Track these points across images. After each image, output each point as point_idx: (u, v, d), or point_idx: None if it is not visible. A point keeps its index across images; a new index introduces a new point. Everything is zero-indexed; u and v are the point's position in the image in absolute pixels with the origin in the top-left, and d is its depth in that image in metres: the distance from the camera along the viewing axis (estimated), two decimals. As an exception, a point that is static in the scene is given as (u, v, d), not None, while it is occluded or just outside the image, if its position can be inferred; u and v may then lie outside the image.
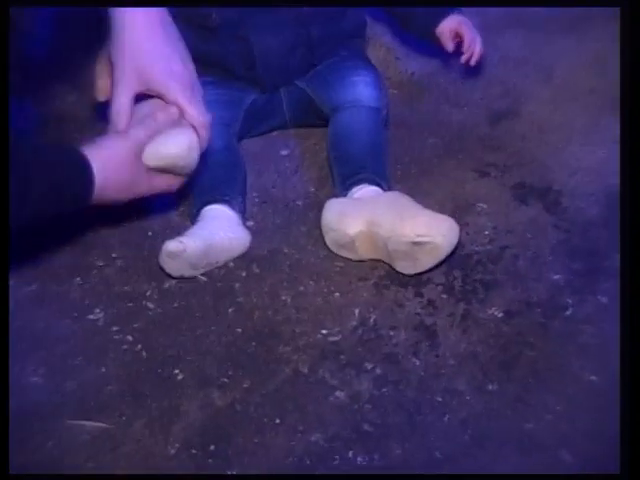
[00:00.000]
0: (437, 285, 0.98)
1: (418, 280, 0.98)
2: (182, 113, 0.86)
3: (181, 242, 0.95)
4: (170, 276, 0.99)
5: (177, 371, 0.89)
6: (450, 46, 1.21)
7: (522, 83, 1.34)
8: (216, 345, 0.92)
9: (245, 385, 0.87)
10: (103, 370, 0.89)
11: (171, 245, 0.95)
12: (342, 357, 0.90)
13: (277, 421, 0.82)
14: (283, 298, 0.98)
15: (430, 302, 0.96)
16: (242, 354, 0.91)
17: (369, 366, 0.88)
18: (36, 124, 1.13)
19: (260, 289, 0.99)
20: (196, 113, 0.86)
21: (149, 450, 0.80)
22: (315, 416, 0.83)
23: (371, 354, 0.90)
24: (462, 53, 1.21)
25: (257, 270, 1.02)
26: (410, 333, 0.92)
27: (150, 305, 0.98)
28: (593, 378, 0.84)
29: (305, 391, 0.86)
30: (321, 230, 1.04)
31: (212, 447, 0.80)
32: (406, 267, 0.98)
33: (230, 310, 0.97)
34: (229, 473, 0.78)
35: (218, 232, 1.00)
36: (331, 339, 0.92)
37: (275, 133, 1.26)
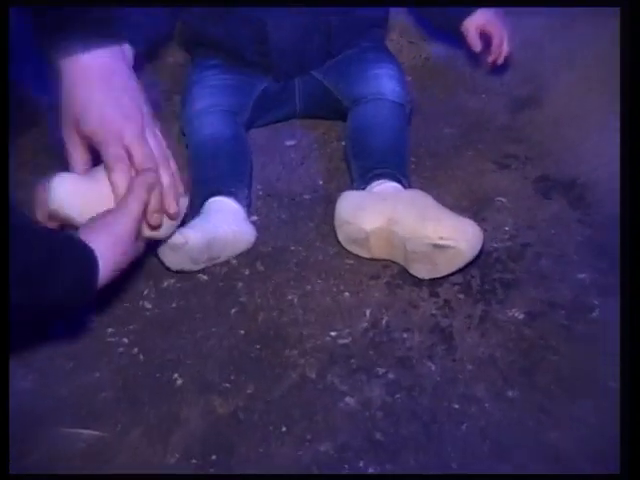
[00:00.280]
0: (454, 285, 0.97)
1: (433, 279, 0.97)
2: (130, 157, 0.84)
3: (182, 234, 0.94)
4: (169, 270, 0.98)
5: (176, 376, 0.88)
6: (477, 45, 1.21)
7: (545, 69, 1.32)
8: (218, 348, 0.91)
9: (249, 391, 0.86)
10: (97, 375, 0.88)
11: (172, 236, 0.94)
12: (352, 361, 0.88)
13: (283, 429, 0.81)
14: (289, 298, 0.96)
15: (446, 303, 0.95)
16: (245, 358, 0.89)
17: (381, 371, 0.87)
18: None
19: (265, 288, 0.98)
20: (140, 157, 0.84)
21: (147, 460, 0.79)
22: (324, 424, 0.82)
23: (383, 358, 0.89)
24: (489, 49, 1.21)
25: (261, 268, 1.01)
26: (425, 336, 0.91)
27: (147, 305, 0.97)
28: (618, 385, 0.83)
29: (313, 397, 0.85)
30: (330, 226, 1.02)
31: (214, 457, 0.79)
32: (422, 270, 0.96)
33: (233, 311, 0.95)
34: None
35: (222, 225, 0.99)
36: (340, 342, 0.91)
37: (280, 122, 1.26)
